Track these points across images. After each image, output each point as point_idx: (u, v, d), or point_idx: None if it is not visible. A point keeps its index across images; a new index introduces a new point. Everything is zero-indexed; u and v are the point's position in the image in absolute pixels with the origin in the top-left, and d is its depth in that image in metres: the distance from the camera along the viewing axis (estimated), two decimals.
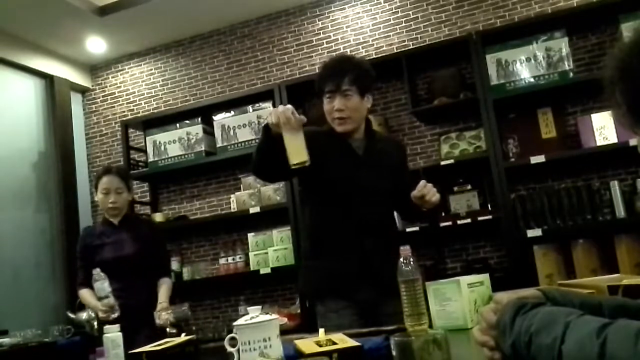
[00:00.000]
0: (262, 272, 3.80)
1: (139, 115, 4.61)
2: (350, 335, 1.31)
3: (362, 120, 2.10)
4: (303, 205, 2.26)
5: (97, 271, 2.59)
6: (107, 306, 2.61)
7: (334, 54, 4.17)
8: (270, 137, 1.86)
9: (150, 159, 4.25)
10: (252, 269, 3.86)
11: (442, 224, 3.47)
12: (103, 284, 2.59)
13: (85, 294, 2.90)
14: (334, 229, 2.06)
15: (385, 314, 1.91)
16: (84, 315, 3.58)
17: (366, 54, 4.05)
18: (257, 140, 3.98)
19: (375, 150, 2.13)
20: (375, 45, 4.06)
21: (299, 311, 3.74)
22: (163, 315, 2.36)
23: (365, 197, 2.05)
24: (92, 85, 4.86)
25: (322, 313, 2.03)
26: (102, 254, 2.89)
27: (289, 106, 1.85)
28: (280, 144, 1.80)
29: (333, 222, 2.06)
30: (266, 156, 1.92)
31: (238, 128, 4.05)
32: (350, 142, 2.09)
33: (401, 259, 1.35)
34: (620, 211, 3.12)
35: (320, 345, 1.20)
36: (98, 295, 2.61)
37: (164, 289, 2.94)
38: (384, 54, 3.95)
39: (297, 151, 1.79)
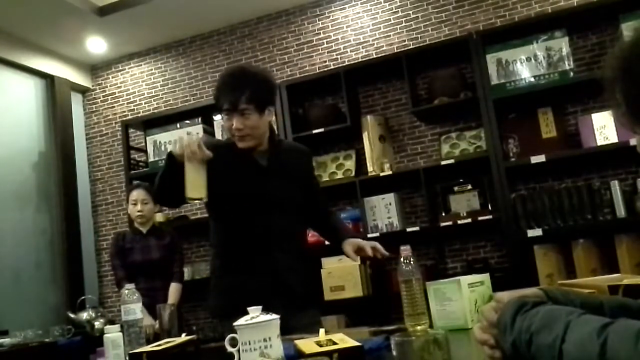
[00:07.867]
0: None
1: (139, 115, 4.61)
2: (350, 335, 1.31)
3: (264, 134, 1.99)
4: (210, 221, 2.09)
5: (131, 286, 1.77)
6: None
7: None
8: (174, 167, 1.80)
9: (151, 159, 4.26)
10: None
11: (443, 224, 3.48)
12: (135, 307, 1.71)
13: None
14: (242, 244, 1.98)
15: (295, 328, 1.72)
16: (84, 315, 3.60)
17: (366, 53, 4.05)
18: None
19: (280, 160, 2.03)
20: (375, 45, 4.05)
21: None
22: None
23: (272, 209, 1.97)
24: (93, 85, 4.86)
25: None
26: (132, 256, 3.37)
27: (198, 137, 1.80)
28: (182, 173, 1.76)
29: (240, 237, 1.98)
30: (168, 185, 1.87)
31: None
32: (253, 154, 1.99)
33: (401, 259, 1.35)
34: (621, 211, 3.12)
35: (321, 345, 1.20)
36: (125, 317, 1.69)
37: (171, 292, 3.38)
38: (384, 54, 3.95)
39: (195, 186, 1.76)
